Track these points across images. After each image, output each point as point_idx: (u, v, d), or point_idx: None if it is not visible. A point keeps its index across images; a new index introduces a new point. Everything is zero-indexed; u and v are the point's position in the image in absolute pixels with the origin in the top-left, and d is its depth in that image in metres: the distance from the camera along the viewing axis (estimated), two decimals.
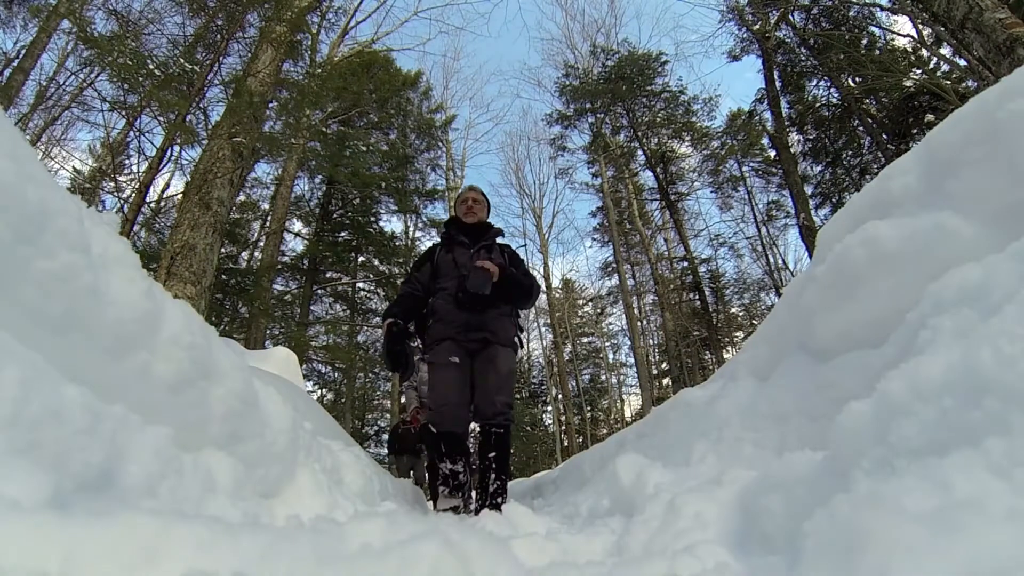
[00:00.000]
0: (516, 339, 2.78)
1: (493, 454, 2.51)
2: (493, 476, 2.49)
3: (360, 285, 15.44)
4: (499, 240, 2.97)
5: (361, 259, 15.50)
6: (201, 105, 6.37)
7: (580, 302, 25.11)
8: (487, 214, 3.04)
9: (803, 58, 13.82)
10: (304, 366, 11.31)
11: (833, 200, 14.31)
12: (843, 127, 13.99)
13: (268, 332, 11.65)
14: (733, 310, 19.27)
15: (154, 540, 0.44)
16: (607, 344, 24.67)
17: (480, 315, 2.62)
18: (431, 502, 3.58)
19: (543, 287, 19.70)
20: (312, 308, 14.03)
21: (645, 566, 0.57)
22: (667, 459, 1.42)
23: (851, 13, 12.49)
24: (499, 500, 2.44)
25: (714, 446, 1.26)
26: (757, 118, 15.48)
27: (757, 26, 13.23)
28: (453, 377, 2.57)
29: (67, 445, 0.63)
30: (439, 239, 3.02)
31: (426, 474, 4.87)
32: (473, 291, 2.52)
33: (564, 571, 0.59)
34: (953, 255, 0.85)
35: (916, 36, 11.72)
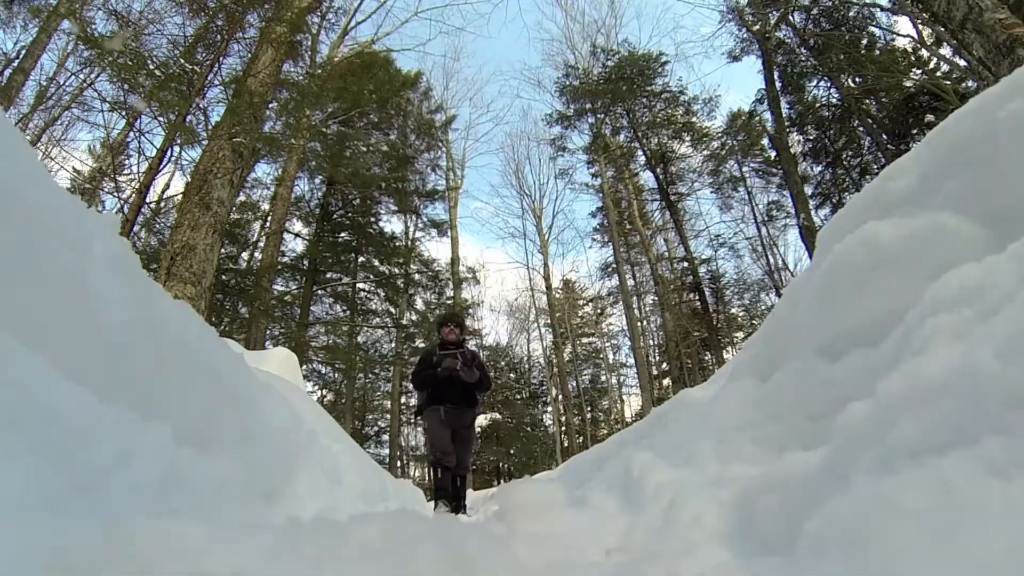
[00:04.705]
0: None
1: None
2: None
3: (360, 286, 15.44)
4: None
5: (361, 259, 15.49)
6: (201, 105, 6.37)
7: (580, 302, 25.07)
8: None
9: (803, 58, 13.82)
10: (304, 366, 11.30)
11: (833, 200, 14.30)
12: (843, 127, 13.98)
13: (268, 332, 11.65)
14: (733, 311, 19.24)
15: (154, 540, 0.44)
16: (607, 344, 24.63)
17: None
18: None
19: (544, 288, 19.89)
20: (312, 308, 14.03)
21: (645, 566, 0.57)
22: (667, 459, 1.42)
23: (851, 13, 12.49)
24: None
25: (714, 446, 1.26)
26: (757, 118, 15.47)
27: (757, 26, 13.22)
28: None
29: (67, 445, 0.63)
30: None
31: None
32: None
33: (564, 571, 0.59)
34: (953, 255, 0.85)
35: (916, 36, 11.72)
